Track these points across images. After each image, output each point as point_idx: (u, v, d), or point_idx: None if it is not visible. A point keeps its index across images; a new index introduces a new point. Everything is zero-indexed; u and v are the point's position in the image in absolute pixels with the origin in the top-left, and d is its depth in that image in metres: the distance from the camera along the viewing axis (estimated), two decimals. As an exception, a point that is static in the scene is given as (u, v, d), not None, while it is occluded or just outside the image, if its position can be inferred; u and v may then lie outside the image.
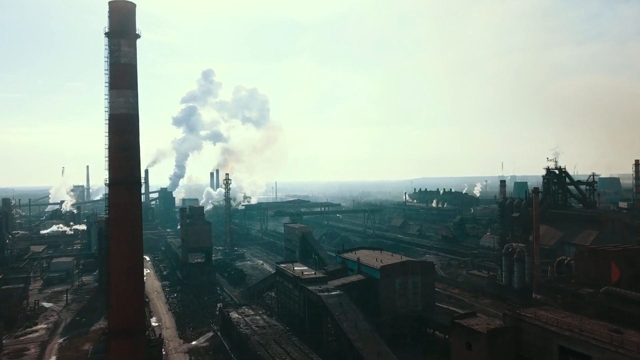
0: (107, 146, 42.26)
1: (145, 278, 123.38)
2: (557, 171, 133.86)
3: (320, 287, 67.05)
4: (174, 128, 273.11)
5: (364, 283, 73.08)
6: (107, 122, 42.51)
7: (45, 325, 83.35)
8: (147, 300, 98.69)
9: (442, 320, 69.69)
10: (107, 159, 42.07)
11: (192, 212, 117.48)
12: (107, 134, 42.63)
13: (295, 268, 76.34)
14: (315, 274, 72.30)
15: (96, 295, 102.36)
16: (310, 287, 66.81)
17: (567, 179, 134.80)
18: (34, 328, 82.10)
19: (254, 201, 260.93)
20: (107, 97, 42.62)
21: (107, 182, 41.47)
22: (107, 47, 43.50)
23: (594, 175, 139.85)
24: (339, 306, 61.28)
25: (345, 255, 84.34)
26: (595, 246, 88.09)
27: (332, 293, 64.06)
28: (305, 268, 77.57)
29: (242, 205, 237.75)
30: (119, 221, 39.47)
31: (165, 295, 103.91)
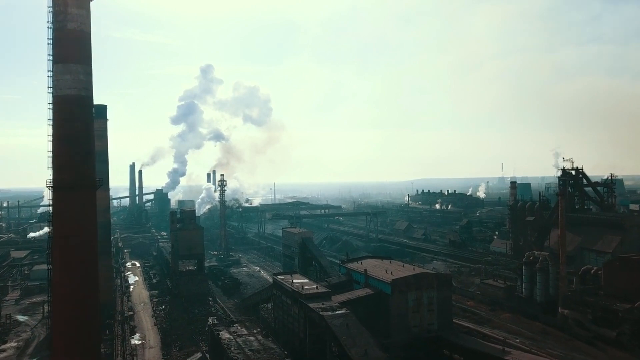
0: (50, 138, 32.81)
1: (132, 287, 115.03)
2: (573, 172, 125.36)
3: (323, 304, 58.40)
4: (173, 127, 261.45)
5: (372, 298, 64.46)
6: (51, 106, 33.16)
7: (15, 344, 74.64)
8: (131, 313, 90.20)
9: (461, 342, 61.24)
10: (50, 154, 32.67)
11: (182, 216, 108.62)
12: (50, 122, 33.21)
13: (294, 281, 67.67)
14: (317, 288, 63.61)
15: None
16: (311, 305, 58.17)
17: (585, 180, 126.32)
18: (2, 347, 73.39)
19: (256, 203, 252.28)
20: (50, 73, 33.18)
21: (50, 184, 31.95)
22: (50, 8, 33.92)
23: (612, 176, 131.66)
24: (346, 328, 52.61)
25: (351, 265, 75.71)
26: (627, 255, 79.68)
27: (337, 312, 55.40)
28: (306, 281, 68.89)
29: (240, 208, 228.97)
30: (65, 238, 30.07)
31: (153, 307, 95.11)
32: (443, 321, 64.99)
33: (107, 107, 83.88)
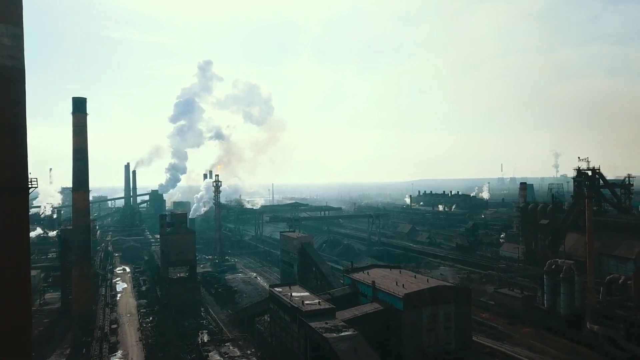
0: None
1: (120, 295, 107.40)
2: (589, 172, 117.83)
3: (326, 323, 50.96)
4: (172, 126, 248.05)
5: (381, 315, 57.10)
6: (-36, 80, 25.09)
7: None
8: (115, 326, 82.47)
9: (484, 365, 53.95)
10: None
11: (173, 219, 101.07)
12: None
13: (293, 294, 60.18)
14: (319, 303, 56.11)
15: (57, 319, 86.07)
16: (313, 324, 50.71)
17: (602, 181, 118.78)
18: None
19: (259, 205, 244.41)
20: (-36, 36, 25.27)
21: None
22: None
23: (629, 176, 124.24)
24: (353, 354, 45.25)
25: (356, 275, 68.27)
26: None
27: (344, 334, 47.92)
28: (307, 294, 61.37)
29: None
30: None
31: (140, 319, 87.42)
32: (461, 340, 57.73)
33: (87, 100, 76.14)
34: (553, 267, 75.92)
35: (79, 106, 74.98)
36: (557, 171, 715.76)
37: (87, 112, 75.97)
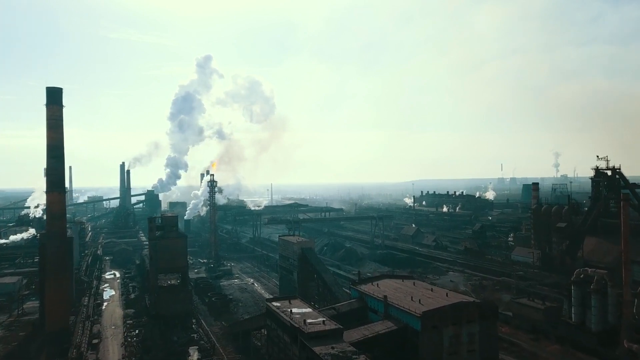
0: None
1: (106, 304, 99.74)
2: (609, 172, 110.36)
3: (332, 347, 43.49)
4: (169, 123, 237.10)
5: (395, 335, 49.60)
6: None
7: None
8: (97, 341, 74.88)
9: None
10: None
11: (163, 222, 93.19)
12: None
13: (293, 310, 52.66)
14: (323, 322, 48.51)
15: (33, 333, 78.31)
16: (317, 349, 43.23)
17: (622, 182, 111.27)
18: None
19: (263, 204, 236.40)
20: None
21: None
22: None
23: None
24: (366, 389, 37.73)
25: (364, 288, 60.71)
26: None
27: (354, 363, 40.37)
28: (309, 310, 53.82)
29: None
30: None
31: (125, 332, 79.79)
32: (487, 364, 50.21)
33: (63, 91, 68.30)
34: (582, 276, 68.41)
35: (54, 97, 66.94)
36: (557, 171, 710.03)
37: (64, 104, 68.26)
